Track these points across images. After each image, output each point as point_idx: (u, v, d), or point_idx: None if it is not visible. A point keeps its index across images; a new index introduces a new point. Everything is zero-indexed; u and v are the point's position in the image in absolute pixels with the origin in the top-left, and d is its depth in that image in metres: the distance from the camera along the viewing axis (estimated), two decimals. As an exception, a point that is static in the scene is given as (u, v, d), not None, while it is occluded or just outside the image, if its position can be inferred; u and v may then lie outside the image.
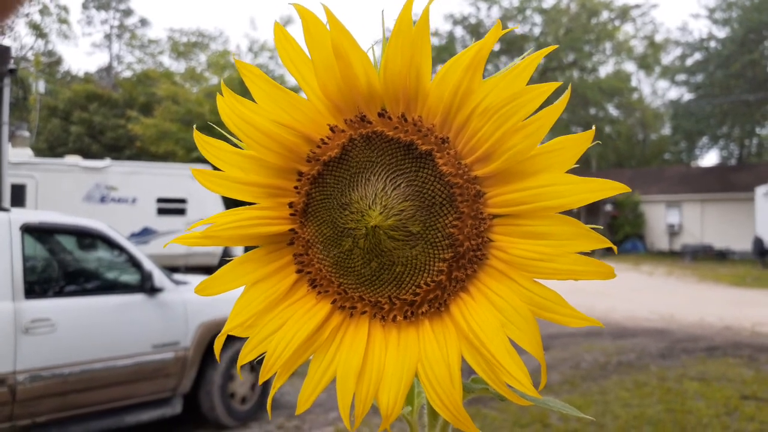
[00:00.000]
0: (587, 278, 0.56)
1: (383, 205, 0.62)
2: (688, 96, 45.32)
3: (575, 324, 0.56)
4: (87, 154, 24.61)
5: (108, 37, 48.76)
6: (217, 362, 5.74)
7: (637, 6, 42.41)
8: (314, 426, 5.95)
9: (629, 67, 47.75)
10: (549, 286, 0.58)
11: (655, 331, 10.91)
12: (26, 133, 16.89)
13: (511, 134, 0.56)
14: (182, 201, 15.28)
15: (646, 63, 46.09)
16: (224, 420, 5.83)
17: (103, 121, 32.79)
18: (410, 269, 0.63)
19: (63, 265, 5.45)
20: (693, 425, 5.90)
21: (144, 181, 14.96)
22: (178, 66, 43.90)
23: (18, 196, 12.82)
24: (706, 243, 31.67)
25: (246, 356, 0.67)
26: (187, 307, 5.48)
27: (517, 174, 0.58)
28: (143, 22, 49.13)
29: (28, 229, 4.87)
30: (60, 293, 4.98)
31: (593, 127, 0.56)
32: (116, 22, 48.92)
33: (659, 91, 55.49)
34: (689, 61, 43.80)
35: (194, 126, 0.71)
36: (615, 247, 0.54)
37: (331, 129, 0.65)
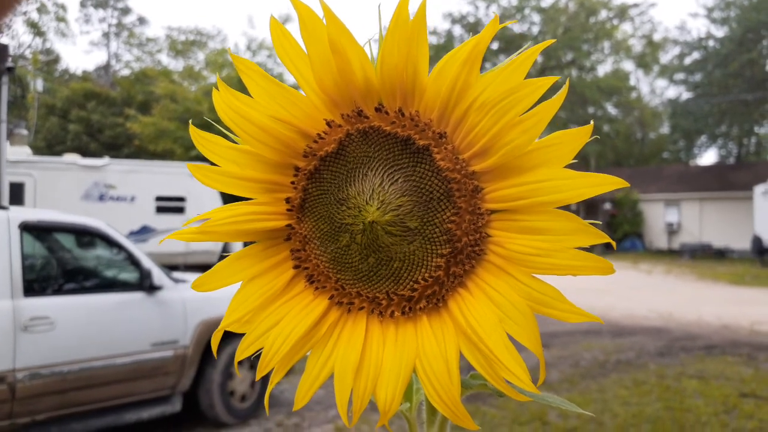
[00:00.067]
0: (586, 273, 0.55)
1: (380, 201, 0.61)
2: (686, 95, 45.39)
3: (574, 319, 0.56)
4: (85, 153, 24.56)
5: (106, 35, 48.65)
6: (217, 360, 5.75)
7: (636, 5, 42.42)
8: (314, 423, 5.95)
9: (628, 66, 47.87)
10: (548, 283, 0.58)
11: (653, 330, 10.92)
12: (24, 132, 16.89)
13: (509, 129, 0.56)
14: (181, 199, 15.26)
15: (644, 62, 46.11)
16: (224, 418, 5.83)
17: (102, 119, 32.76)
18: (408, 265, 0.62)
19: (62, 263, 5.45)
20: (692, 423, 5.90)
21: (142, 179, 14.93)
22: (176, 64, 43.85)
23: (16, 195, 12.81)
24: (705, 242, 31.69)
25: (243, 352, 0.66)
26: (187, 305, 5.48)
27: (515, 169, 0.58)
28: (141, 21, 49.05)
29: (26, 228, 4.86)
30: (59, 291, 4.97)
31: (591, 122, 0.55)
32: (114, 21, 48.84)
33: (658, 90, 55.70)
34: (688, 60, 43.82)
35: (190, 121, 0.70)
36: (614, 243, 0.54)
37: (328, 124, 0.65)
